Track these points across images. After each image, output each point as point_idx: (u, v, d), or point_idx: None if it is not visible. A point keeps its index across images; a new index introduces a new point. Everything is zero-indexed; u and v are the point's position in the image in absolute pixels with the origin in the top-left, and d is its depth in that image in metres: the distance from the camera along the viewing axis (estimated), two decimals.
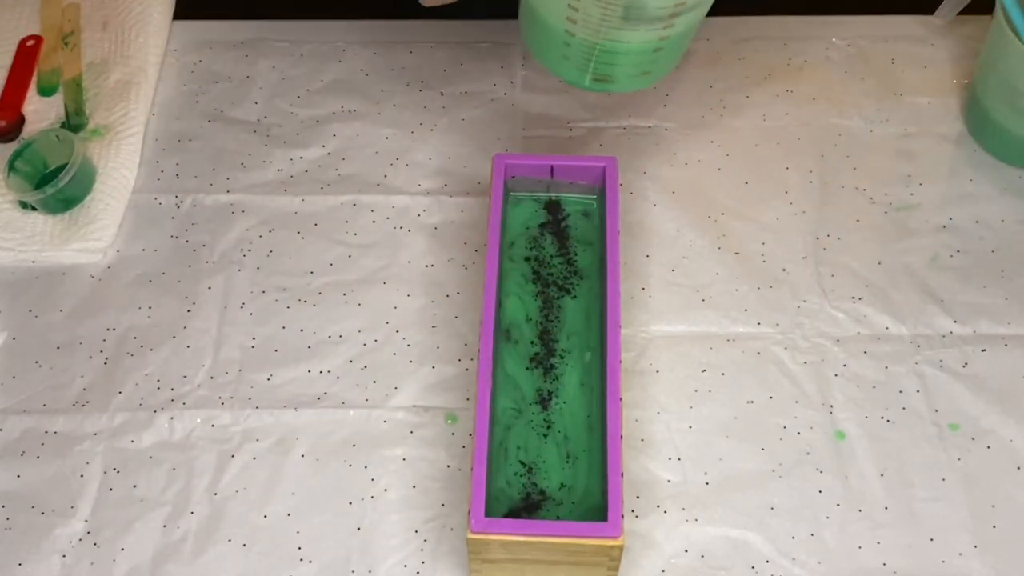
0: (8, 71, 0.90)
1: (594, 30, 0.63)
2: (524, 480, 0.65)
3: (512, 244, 0.74)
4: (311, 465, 0.72)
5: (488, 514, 0.61)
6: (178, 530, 0.70)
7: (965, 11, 0.88)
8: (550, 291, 0.72)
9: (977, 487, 0.70)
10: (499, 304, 0.69)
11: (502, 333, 0.70)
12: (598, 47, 0.64)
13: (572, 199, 0.76)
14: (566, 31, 0.64)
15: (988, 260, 0.79)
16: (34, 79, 0.90)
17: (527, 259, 0.73)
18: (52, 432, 0.73)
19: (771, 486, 0.70)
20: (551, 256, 0.73)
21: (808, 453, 0.72)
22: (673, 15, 0.63)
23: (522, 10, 0.69)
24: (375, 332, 0.77)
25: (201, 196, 0.84)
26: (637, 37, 0.63)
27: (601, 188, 0.74)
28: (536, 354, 0.69)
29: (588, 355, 0.69)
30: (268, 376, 0.75)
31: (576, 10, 0.62)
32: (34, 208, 0.82)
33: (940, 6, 0.89)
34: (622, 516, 0.60)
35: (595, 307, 0.71)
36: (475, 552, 0.62)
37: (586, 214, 0.75)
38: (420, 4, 0.70)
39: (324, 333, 0.77)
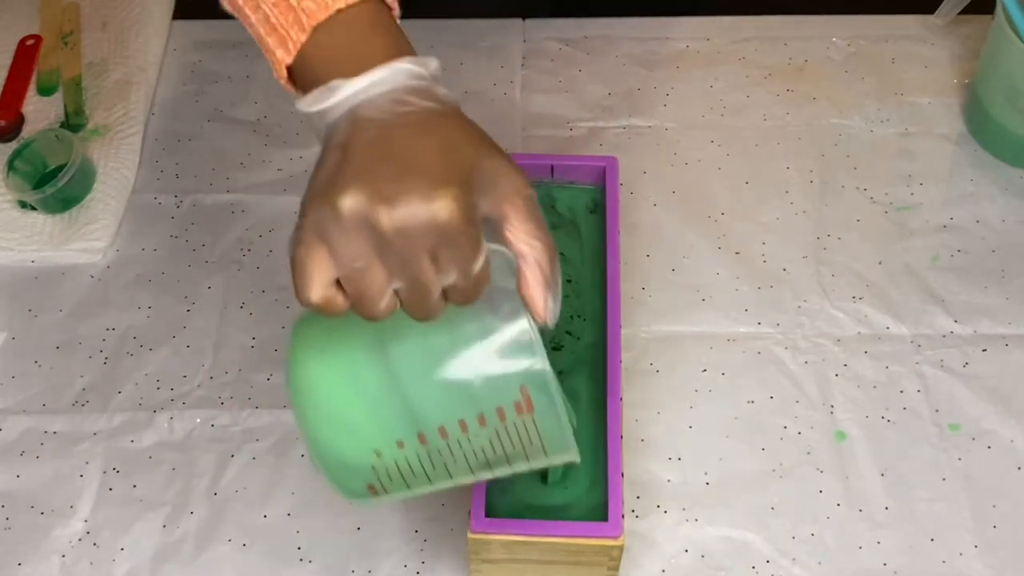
0: (8, 71, 0.90)
1: None
2: (524, 480, 0.65)
3: None
4: (311, 465, 0.72)
5: (488, 514, 0.60)
6: (178, 530, 0.70)
7: (965, 11, 0.88)
8: None
9: (977, 487, 0.70)
10: None
11: None
12: None
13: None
14: None
15: (988, 260, 0.79)
16: (34, 79, 0.90)
17: None
18: (52, 432, 0.73)
19: (771, 486, 0.70)
20: None
21: (808, 453, 0.71)
22: None
23: None
24: None
25: (201, 196, 0.84)
26: None
27: (601, 188, 0.74)
28: None
29: (588, 356, 0.68)
30: (268, 376, 0.75)
31: None
32: (34, 208, 0.82)
33: (940, 6, 0.89)
34: (622, 516, 0.60)
35: (595, 307, 0.70)
36: (475, 552, 0.62)
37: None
38: None
39: None
